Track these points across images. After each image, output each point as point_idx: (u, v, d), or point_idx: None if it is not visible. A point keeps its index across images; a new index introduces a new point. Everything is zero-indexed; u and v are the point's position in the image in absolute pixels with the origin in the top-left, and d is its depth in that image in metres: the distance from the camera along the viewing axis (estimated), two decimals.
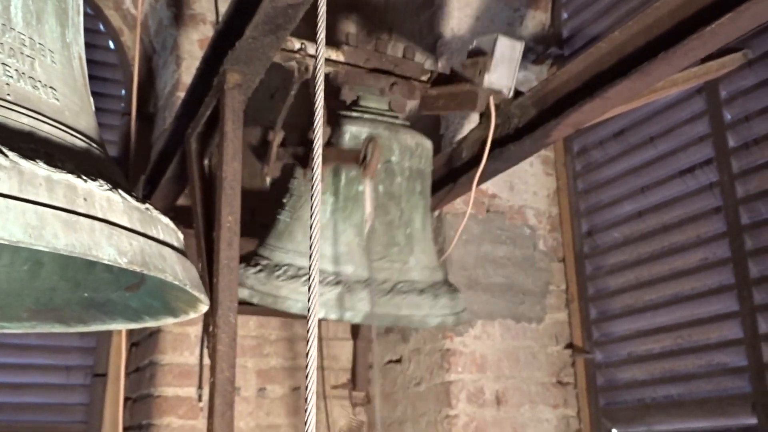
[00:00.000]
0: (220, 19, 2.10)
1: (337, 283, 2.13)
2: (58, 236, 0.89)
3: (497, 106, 2.20)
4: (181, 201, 2.67)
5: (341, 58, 2.15)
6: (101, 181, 1.00)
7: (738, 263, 2.38)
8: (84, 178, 0.97)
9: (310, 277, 0.77)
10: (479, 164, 2.26)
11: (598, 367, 2.84)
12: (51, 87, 1.09)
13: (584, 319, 2.92)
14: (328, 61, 2.12)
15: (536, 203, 3.08)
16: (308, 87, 2.10)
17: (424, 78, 2.28)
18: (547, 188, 3.12)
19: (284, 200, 2.34)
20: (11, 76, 1.03)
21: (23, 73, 1.05)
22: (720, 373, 2.41)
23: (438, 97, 2.25)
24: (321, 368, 3.19)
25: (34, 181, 0.90)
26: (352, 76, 2.21)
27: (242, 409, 2.97)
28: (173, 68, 3.33)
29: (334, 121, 2.21)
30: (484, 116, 2.29)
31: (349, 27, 3.62)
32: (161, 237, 1.08)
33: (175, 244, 1.13)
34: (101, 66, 3.61)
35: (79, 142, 1.10)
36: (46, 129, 1.04)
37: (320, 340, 3.25)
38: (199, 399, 2.91)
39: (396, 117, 2.35)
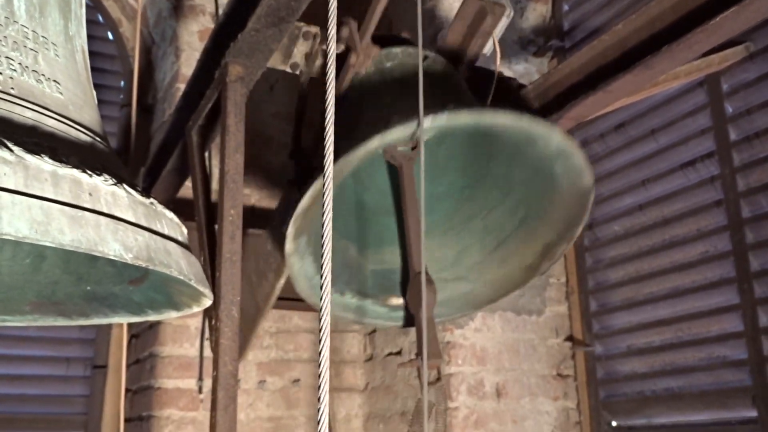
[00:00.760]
0: (222, 10, 2.09)
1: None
2: (64, 232, 0.88)
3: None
4: (182, 193, 2.66)
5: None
6: (106, 176, 0.99)
7: (739, 256, 2.38)
8: (89, 172, 0.96)
9: (322, 276, 0.77)
10: None
11: (598, 359, 2.85)
12: (55, 80, 1.09)
13: (584, 312, 2.92)
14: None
15: None
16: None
17: None
18: None
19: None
20: (15, 70, 1.03)
21: (27, 67, 1.05)
22: (720, 366, 2.42)
23: None
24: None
25: (39, 176, 0.90)
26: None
27: (242, 401, 2.97)
28: (172, 59, 3.32)
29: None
30: None
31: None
32: (166, 232, 1.08)
33: (180, 238, 1.13)
34: (99, 57, 3.59)
35: (83, 137, 1.10)
36: (50, 123, 1.04)
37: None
38: (200, 391, 2.92)
39: None
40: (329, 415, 3.18)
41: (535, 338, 2.91)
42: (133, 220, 1.00)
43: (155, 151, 2.69)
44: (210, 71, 1.96)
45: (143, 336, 3.11)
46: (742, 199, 2.40)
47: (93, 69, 1.31)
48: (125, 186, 1.02)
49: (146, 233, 1.01)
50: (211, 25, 3.30)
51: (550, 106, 2.14)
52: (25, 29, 1.07)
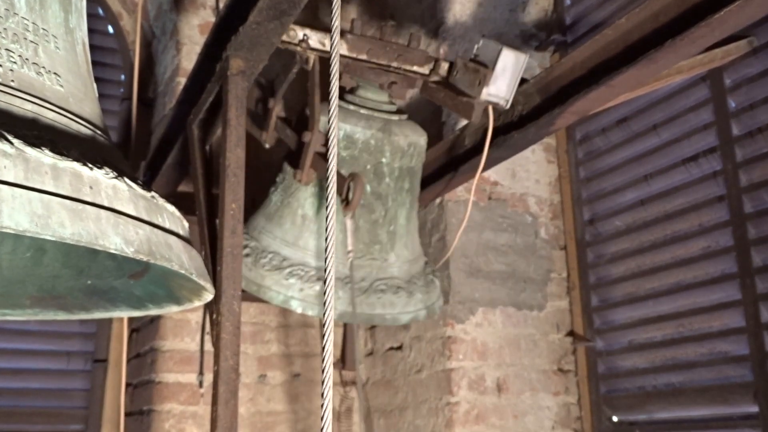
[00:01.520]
0: (223, 3, 2.08)
1: (318, 279, 2.14)
2: (65, 225, 0.88)
3: (495, 111, 2.18)
4: (182, 187, 2.66)
5: (344, 46, 2.12)
6: (107, 169, 0.99)
7: (741, 252, 2.38)
8: (89, 165, 0.96)
9: (325, 281, 0.76)
10: (482, 152, 2.25)
11: (599, 354, 2.85)
12: (55, 73, 1.08)
13: (585, 307, 2.92)
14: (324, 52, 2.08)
15: (538, 191, 3.07)
16: (307, 77, 2.08)
17: (427, 70, 2.23)
18: (549, 176, 3.11)
19: (278, 179, 2.32)
20: (15, 62, 1.02)
21: (27, 59, 1.04)
22: (722, 362, 2.41)
23: (438, 89, 2.23)
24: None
25: (39, 169, 0.89)
26: (353, 66, 2.18)
27: (243, 396, 2.97)
28: (173, 53, 3.31)
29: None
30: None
31: (351, 12, 3.59)
32: (167, 225, 1.07)
33: (181, 232, 1.13)
34: (100, 51, 3.58)
35: (83, 129, 1.09)
36: (50, 116, 1.03)
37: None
38: (200, 385, 2.91)
39: (393, 111, 2.31)
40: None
41: (536, 333, 2.91)
42: (134, 213, 0.99)
43: (156, 144, 2.69)
44: (211, 65, 1.95)
45: (144, 330, 3.11)
46: (744, 194, 2.39)
47: (93, 62, 1.30)
48: (126, 179, 1.01)
49: (147, 227, 1.00)
50: (212, 19, 3.29)
51: (552, 101, 2.14)
52: (26, 21, 1.07)
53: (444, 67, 2.19)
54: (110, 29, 3.65)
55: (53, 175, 0.90)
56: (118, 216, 0.96)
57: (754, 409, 2.29)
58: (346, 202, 1.96)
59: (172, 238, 1.06)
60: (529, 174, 3.07)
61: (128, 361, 3.05)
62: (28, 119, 0.99)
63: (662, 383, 2.59)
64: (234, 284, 1.63)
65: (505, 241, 2.95)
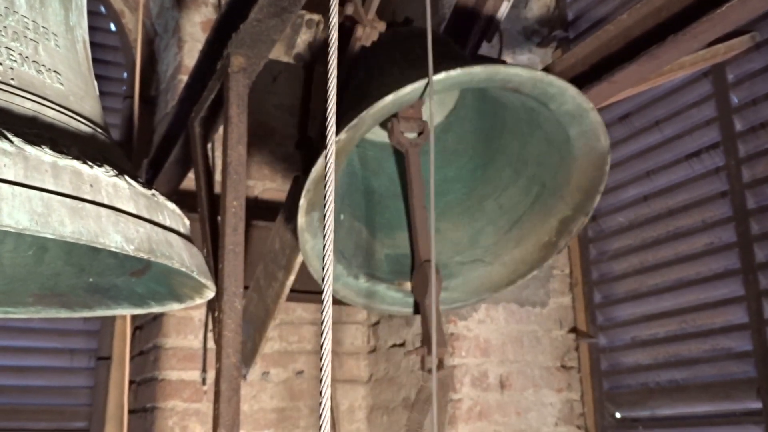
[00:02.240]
0: (224, 1, 2.08)
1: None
2: (65, 223, 0.88)
3: None
4: (184, 185, 2.66)
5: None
6: (107, 167, 0.99)
7: (744, 248, 2.37)
8: (90, 164, 0.96)
9: (324, 267, 0.76)
10: None
11: (602, 351, 2.84)
12: (55, 71, 1.08)
13: (588, 304, 2.92)
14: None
15: None
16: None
17: None
18: None
19: None
20: (15, 60, 1.02)
21: (27, 57, 1.04)
22: (725, 358, 2.41)
23: None
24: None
25: (39, 168, 0.89)
26: None
27: (246, 393, 2.98)
28: (175, 51, 3.31)
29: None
30: None
31: (350, 8, 3.58)
32: (168, 223, 1.07)
33: (182, 230, 1.13)
34: (102, 48, 3.59)
35: (84, 128, 1.09)
36: (50, 114, 1.03)
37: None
38: (203, 382, 2.92)
39: None
40: (333, 406, 3.17)
41: (538, 330, 2.91)
42: (134, 211, 0.99)
43: (158, 142, 2.69)
44: (212, 62, 1.95)
45: (147, 327, 3.11)
46: (747, 190, 2.39)
47: (95, 60, 1.30)
48: (126, 177, 1.01)
49: (148, 225, 1.00)
50: (214, 16, 3.29)
51: None
52: (26, 19, 1.07)
53: None
54: (112, 27, 3.65)
55: (53, 174, 0.90)
56: (118, 214, 0.96)
57: (758, 405, 2.29)
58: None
59: (173, 236, 1.06)
60: None
61: (131, 358, 3.06)
62: (28, 117, 0.99)
63: (665, 379, 2.58)
64: (236, 281, 1.63)
65: None
